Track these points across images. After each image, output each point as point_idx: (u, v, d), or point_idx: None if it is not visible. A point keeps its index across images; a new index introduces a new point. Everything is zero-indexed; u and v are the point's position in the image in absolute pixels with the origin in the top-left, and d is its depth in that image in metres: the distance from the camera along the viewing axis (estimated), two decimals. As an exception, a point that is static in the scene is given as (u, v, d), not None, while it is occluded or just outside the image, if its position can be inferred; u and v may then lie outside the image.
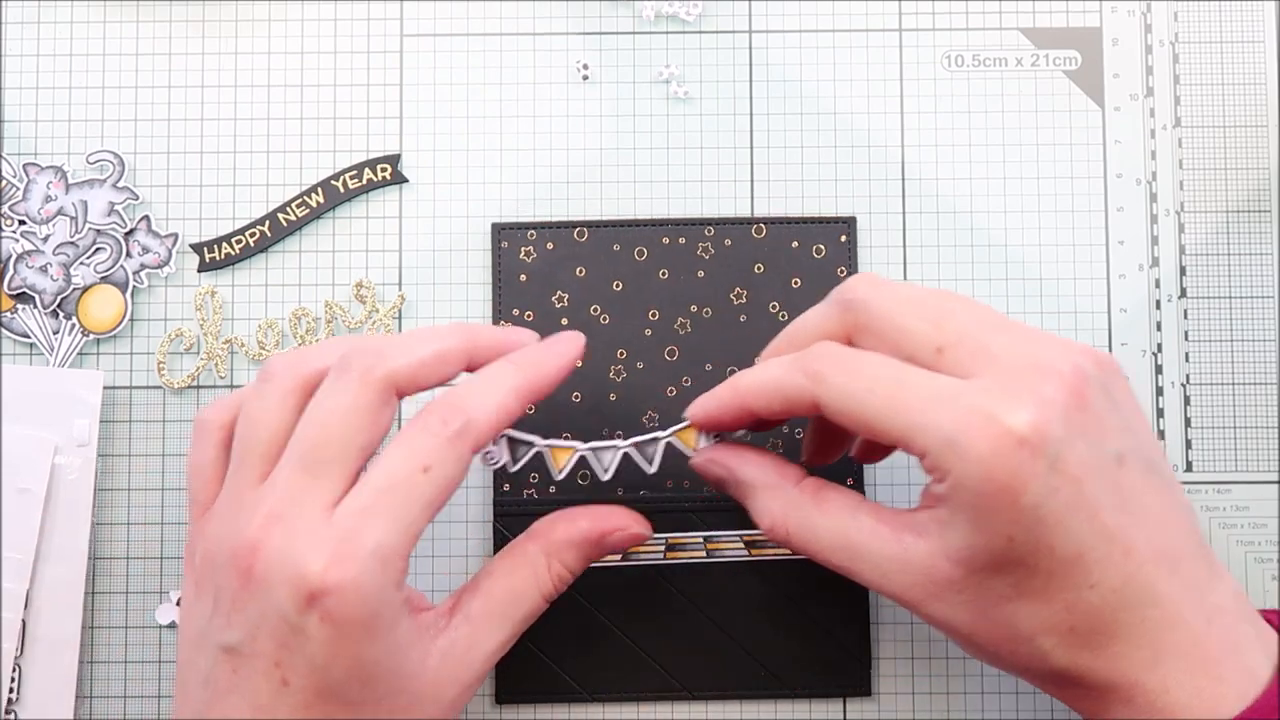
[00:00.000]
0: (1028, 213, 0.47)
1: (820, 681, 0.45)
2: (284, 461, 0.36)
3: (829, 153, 0.47)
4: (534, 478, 0.45)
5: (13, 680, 0.44)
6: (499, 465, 0.39)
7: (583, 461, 0.40)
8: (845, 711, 0.45)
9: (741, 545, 0.45)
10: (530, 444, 0.40)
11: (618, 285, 0.46)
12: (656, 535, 0.45)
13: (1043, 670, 0.35)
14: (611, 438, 0.45)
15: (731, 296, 0.46)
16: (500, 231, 0.46)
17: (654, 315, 0.46)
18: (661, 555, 0.45)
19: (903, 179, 0.47)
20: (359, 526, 0.34)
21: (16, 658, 0.44)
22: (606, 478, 0.41)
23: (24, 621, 0.44)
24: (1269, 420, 0.46)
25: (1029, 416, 0.32)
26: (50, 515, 0.45)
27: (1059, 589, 0.34)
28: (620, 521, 0.40)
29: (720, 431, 0.40)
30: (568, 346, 0.40)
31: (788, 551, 0.45)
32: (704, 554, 0.45)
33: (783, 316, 0.46)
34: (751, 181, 0.47)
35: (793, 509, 0.38)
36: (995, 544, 0.33)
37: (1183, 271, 0.47)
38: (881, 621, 0.45)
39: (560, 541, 0.40)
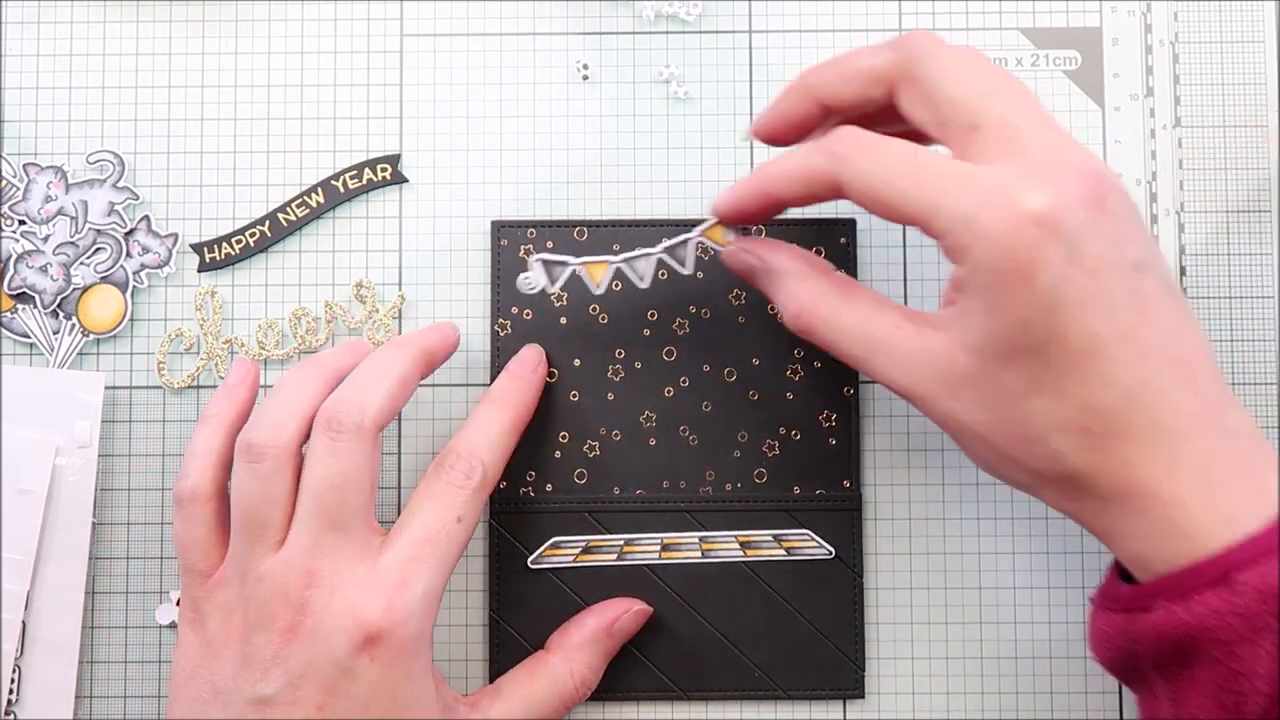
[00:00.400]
0: (1028, 213, 0.47)
1: (814, 683, 0.45)
2: (303, 525, 0.38)
3: (829, 153, 0.47)
4: (530, 475, 0.45)
5: (13, 681, 0.44)
6: (537, 289, 0.43)
7: (621, 273, 0.42)
8: (845, 712, 0.45)
9: (736, 546, 0.45)
10: (565, 263, 0.42)
11: (617, 285, 0.46)
12: (651, 535, 0.45)
13: (1056, 473, 0.35)
14: (609, 436, 0.45)
15: (730, 298, 0.46)
16: (500, 230, 0.46)
17: (653, 315, 0.46)
18: (656, 555, 0.45)
19: (903, 179, 0.47)
20: (407, 575, 0.38)
21: (16, 658, 0.44)
22: (644, 285, 0.42)
23: (24, 623, 0.44)
24: (1269, 420, 0.46)
25: (1046, 200, 0.33)
26: (51, 516, 0.45)
27: (1074, 385, 0.34)
28: (621, 607, 0.44)
29: (746, 224, 0.41)
30: (534, 373, 0.44)
31: (783, 553, 0.45)
32: (699, 554, 0.45)
33: (781, 318, 0.45)
34: (751, 181, 0.47)
35: (820, 297, 0.38)
36: (1010, 329, 0.34)
37: (1183, 271, 0.47)
38: (880, 622, 0.45)
39: (575, 645, 0.43)
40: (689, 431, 0.45)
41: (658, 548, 0.45)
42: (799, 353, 0.45)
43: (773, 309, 0.46)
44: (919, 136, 0.38)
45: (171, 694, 0.40)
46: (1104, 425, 0.34)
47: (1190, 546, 0.33)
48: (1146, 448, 0.34)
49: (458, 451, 0.41)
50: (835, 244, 0.46)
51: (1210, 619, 0.32)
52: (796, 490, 0.45)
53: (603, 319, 0.46)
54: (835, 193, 0.36)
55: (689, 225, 0.46)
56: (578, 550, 0.45)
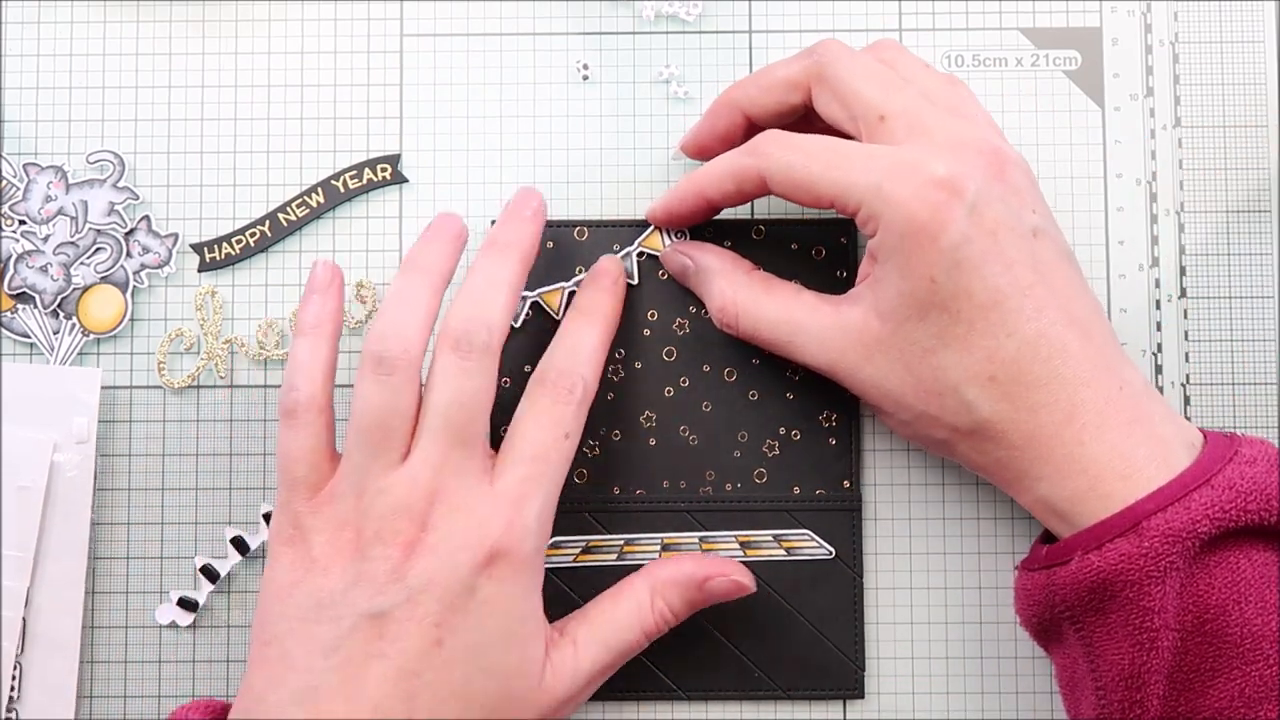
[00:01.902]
0: (1028, 213, 0.47)
1: (814, 683, 0.45)
2: (431, 440, 0.39)
3: (829, 153, 0.47)
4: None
5: (14, 679, 0.44)
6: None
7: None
8: (845, 712, 0.45)
9: (736, 546, 0.45)
10: (523, 297, 0.45)
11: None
12: (652, 535, 0.45)
13: (969, 424, 0.38)
14: (609, 436, 0.45)
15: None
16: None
17: (653, 315, 0.46)
18: (657, 555, 0.45)
19: (902, 179, 0.47)
20: (524, 494, 0.39)
21: (17, 656, 0.44)
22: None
23: (24, 620, 0.44)
24: (1269, 420, 0.46)
25: (948, 166, 0.37)
26: (50, 513, 0.45)
27: (979, 336, 0.37)
28: (724, 569, 0.42)
29: (681, 228, 0.45)
30: (616, 284, 0.45)
31: (783, 553, 0.45)
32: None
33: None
34: (751, 181, 0.47)
35: (743, 290, 0.42)
36: (919, 287, 0.37)
37: (1183, 271, 0.47)
38: (880, 622, 0.45)
39: (665, 580, 0.42)
40: (689, 431, 0.45)
41: (658, 548, 0.45)
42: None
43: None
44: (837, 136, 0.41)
45: (261, 614, 0.39)
46: (1008, 373, 0.37)
47: (1090, 484, 0.37)
48: (1048, 393, 0.37)
49: (558, 368, 0.41)
50: (836, 243, 0.46)
51: (1122, 563, 0.35)
52: (796, 490, 0.45)
53: None
54: (761, 188, 0.40)
55: (641, 226, 0.46)
56: (578, 550, 0.45)
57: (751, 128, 0.43)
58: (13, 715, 0.44)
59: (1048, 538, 0.40)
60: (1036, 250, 0.38)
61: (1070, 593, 0.37)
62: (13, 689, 0.44)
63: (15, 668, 0.44)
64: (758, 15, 0.48)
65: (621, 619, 0.41)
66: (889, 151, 0.38)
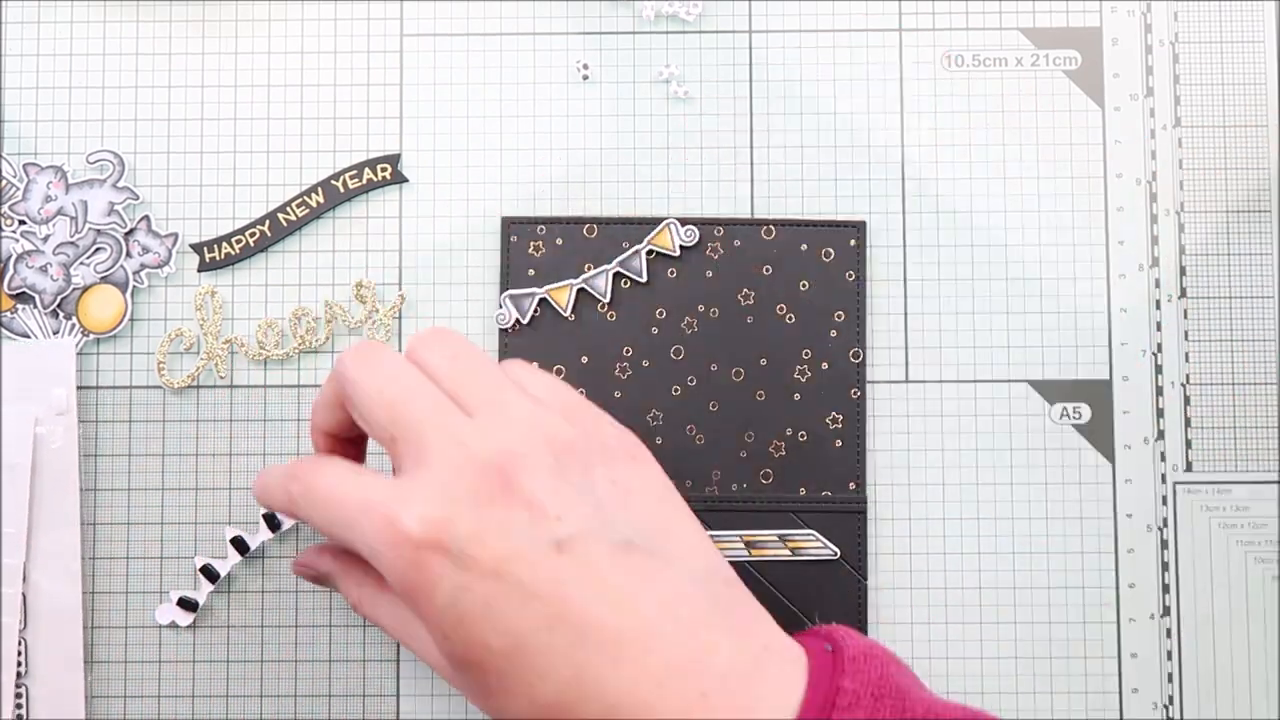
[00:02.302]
0: (1028, 213, 0.47)
1: None
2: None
3: (829, 153, 0.47)
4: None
5: (20, 654, 0.44)
6: (510, 323, 0.45)
7: None
8: (845, 711, 0.45)
9: (742, 545, 0.45)
10: (531, 294, 0.46)
11: (625, 283, 0.46)
12: None
13: None
14: None
15: (739, 298, 0.46)
16: (510, 225, 0.46)
17: (661, 314, 0.46)
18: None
19: (902, 179, 0.47)
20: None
21: (21, 631, 0.44)
22: (605, 299, 0.46)
23: (24, 595, 0.45)
24: (1269, 420, 0.46)
25: (422, 512, 0.32)
26: (38, 486, 0.45)
27: (513, 683, 0.32)
28: None
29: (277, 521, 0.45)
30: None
31: (788, 553, 0.45)
32: None
33: (789, 319, 0.46)
34: (751, 181, 0.47)
35: (361, 589, 0.39)
36: (443, 646, 0.33)
37: (1183, 271, 0.47)
38: (881, 622, 0.45)
39: None
40: (696, 431, 0.45)
41: None
42: (807, 354, 0.45)
43: (782, 310, 0.46)
44: None
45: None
46: (562, 714, 0.32)
47: None
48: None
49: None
50: (845, 246, 0.46)
51: None
52: (802, 491, 0.45)
53: (611, 317, 0.46)
54: (297, 515, 0.37)
55: (698, 223, 0.46)
56: None
57: (344, 440, 0.40)
58: (23, 690, 0.44)
59: None
60: (562, 565, 0.32)
61: None
62: (20, 664, 0.44)
63: (20, 643, 0.44)
64: (758, 15, 0.48)
65: None
66: (379, 495, 0.33)
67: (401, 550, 0.32)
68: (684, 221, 0.46)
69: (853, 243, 0.46)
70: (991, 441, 0.46)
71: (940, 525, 0.46)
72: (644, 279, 0.46)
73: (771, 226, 0.46)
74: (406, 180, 0.47)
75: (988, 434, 0.46)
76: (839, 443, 0.45)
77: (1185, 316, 0.47)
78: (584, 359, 0.46)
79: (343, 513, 0.34)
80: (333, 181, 0.47)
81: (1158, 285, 0.47)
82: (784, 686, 0.32)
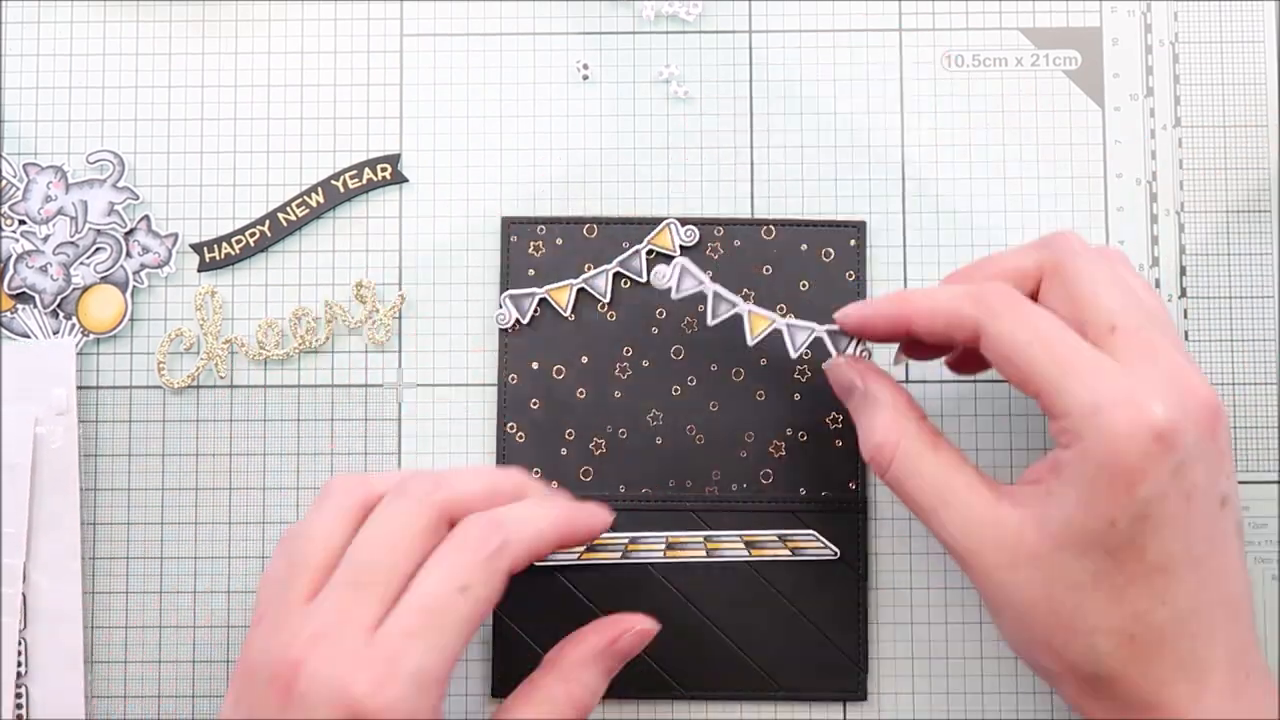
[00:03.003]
0: (1028, 213, 0.47)
1: (816, 684, 0.45)
2: (334, 580, 0.36)
3: (829, 153, 0.47)
4: (536, 472, 0.45)
5: (20, 654, 0.44)
6: (510, 322, 0.45)
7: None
8: (845, 713, 0.45)
9: (742, 545, 0.45)
10: (531, 294, 0.45)
11: (626, 283, 0.46)
12: (657, 533, 0.45)
13: (1089, 670, 0.36)
14: (616, 434, 0.45)
15: (740, 298, 0.46)
16: (510, 225, 0.46)
17: (661, 314, 0.46)
18: (661, 554, 0.45)
19: (902, 179, 0.47)
20: (400, 649, 0.35)
21: (21, 631, 0.45)
22: (605, 299, 0.45)
23: (24, 595, 0.45)
24: (1269, 420, 0.46)
25: (1171, 415, 0.34)
26: (38, 486, 0.45)
27: (1134, 593, 0.35)
28: (625, 624, 0.41)
29: (863, 339, 0.42)
30: (600, 513, 0.40)
31: (787, 553, 0.45)
32: (704, 553, 0.45)
33: (789, 319, 0.45)
34: (751, 181, 0.47)
35: (908, 437, 0.39)
36: (1095, 525, 0.35)
37: (1183, 271, 0.47)
38: (881, 621, 0.45)
39: (572, 664, 0.40)
40: (696, 431, 0.45)
41: (663, 546, 0.45)
42: (807, 354, 0.45)
43: (782, 310, 0.45)
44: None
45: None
46: (1150, 638, 0.35)
47: None
48: (1181, 671, 0.35)
49: (486, 518, 0.37)
50: (845, 246, 0.46)
51: None
52: (802, 491, 0.45)
53: (611, 316, 0.46)
54: (970, 338, 0.38)
55: (698, 223, 0.46)
56: (582, 548, 0.45)
57: (912, 335, 0.40)
58: (23, 690, 0.44)
59: None
60: (1219, 522, 0.36)
61: None
62: (20, 664, 0.44)
63: (20, 644, 0.45)
64: (758, 15, 0.48)
65: None
66: (1116, 372, 0.35)
67: (1141, 435, 0.34)
68: (684, 221, 0.46)
69: (853, 243, 0.46)
70: (991, 442, 0.46)
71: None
72: (644, 279, 0.46)
73: (771, 226, 0.46)
74: (406, 180, 0.47)
75: (987, 434, 0.46)
76: (839, 443, 0.45)
77: (1185, 316, 0.47)
78: (584, 359, 0.46)
79: (1070, 358, 0.35)
80: (333, 181, 0.47)
81: (1158, 285, 0.47)
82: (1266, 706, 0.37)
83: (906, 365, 0.46)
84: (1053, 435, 0.36)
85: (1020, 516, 0.36)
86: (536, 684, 0.40)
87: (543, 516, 0.38)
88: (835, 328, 0.42)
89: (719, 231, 0.46)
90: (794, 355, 0.43)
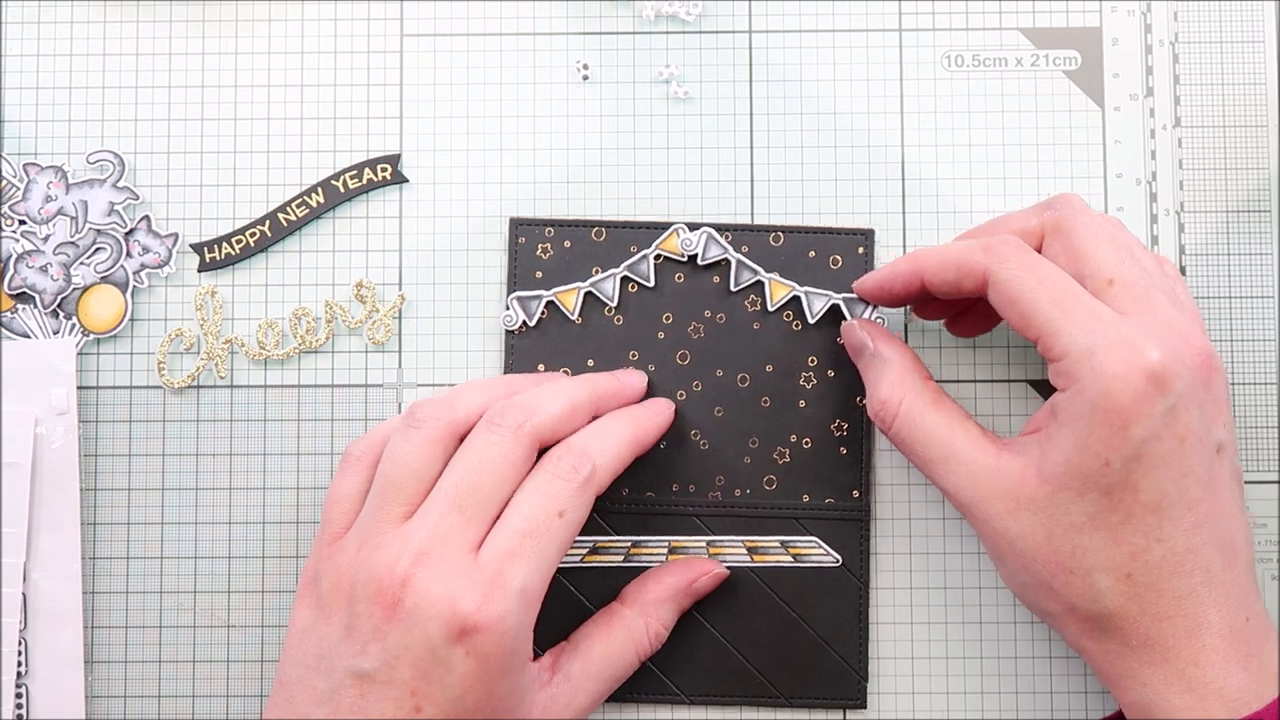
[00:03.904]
0: (1028, 213, 0.47)
1: (816, 691, 0.45)
2: (434, 503, 0.39)
3: (829, 153, 0.47)
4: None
5: (20, 654, 0.44)
6: (517, 325, 0.46)
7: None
8: (845, 715, 0.45)
9: (744, 551, 0.45)
10: (539, 297, 0.46)
11: (633, 287, 0.46)
12: (659, 538, 0.45)
13: (1089, 610, 0.37)
14: None
15: (745, 304, 0.46)
16: (517, 227, 0.46)
17: (668, 319, 0.46)
18: (664, 558, 0.45)
19: (902, 179, 0.47)
20: (504, 568, 0.37)
21: (21, 631, 0.45)
22: (612, 303, 0.46)
23: (24, 594, 0.45)
24: (1269, 420, 0.46)
25: (1164, 359, 0.36)
26: (39, 487, 0.45)
27: (1130, 532, 0.36)
28: (703, 567, 0.44)
29: (880, 303, 0.44)
30: (664, 411, 0.44)
31: (790, 560, 0.45)
32: (706, 558, 0.45)
33: (796, 326, 0.45)
34: (751, 182, 0.47)
35: (912, 392, 0.41)
36: (1090, 465, 0.36)
37: (1183, 271, 0.47)
38: (882, 622, 0.45)
39: (651, 600, 0.43)
40: (700, 436, 0.45)
41: (665, 550, 0.45)
42: (812, 361, 0.45)
43: (788, 316, 0.45)
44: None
45: (282, 655, 0.40)
46: (1147, 576, 0.37)
47: (1195, 703, 0.36)
48: (1178, 608, 0.37)
49: (573, 445, 0.40)
50: (853, 253, 0.46)
51: None
52: (806, 498, 0.45)
53: (618, 320, 0.46)
54: (978, 288, 0.39)
55: (659, 228, 0.46)
56: (585, 551, 0.45)
57: (925, 292, 0.42)
58: (23, 689, 0.45)
59: None
60: (1214, 468, 0.37)
61: None
62: (20, 664, 0.44)
63: (20, 643, 0.45)
64: (758, 15, 0.48)
65: (616, 649, 0.42)
66: (1113, 319, 0.37)
67: (1135, 375, 0.36)
68: (692, 227, 0.46)
69: (861, 250, 0.46)
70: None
71: (940, 525, 0.46)
72: (651, 283, 0.46)
73: (780, 233, 0.46)
74: (406, 180, 0.47)
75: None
76: (844, 450, 0.45)
77: (1185, 316, 0.47)
78: (590, 362, 0.46)
79: (1071, 303, 0.37)
80: (333, 181, 0.47)
81: (1158, 285, 0.47)
82: (1271, 661, 0.37)
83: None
84: (1051, 380, 0.38)
85: (1021, 464, 0.38)
86: (617, 613, 0.43)
87: (622, 439, 0.42)
88: (852, 295, 0.45)
89: (727, 236, 0.46)
90: (811, 321, 0.45)
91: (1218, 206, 0.47)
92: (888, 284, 0.42)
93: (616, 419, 0.42)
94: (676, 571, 0.44)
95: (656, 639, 0.43)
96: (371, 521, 0.39)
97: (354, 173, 0.47)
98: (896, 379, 0.41)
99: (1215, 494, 0.37)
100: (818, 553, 0.45)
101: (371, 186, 0.47)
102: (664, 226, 0.46)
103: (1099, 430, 0.36)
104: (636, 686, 0.44)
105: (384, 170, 0.47)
